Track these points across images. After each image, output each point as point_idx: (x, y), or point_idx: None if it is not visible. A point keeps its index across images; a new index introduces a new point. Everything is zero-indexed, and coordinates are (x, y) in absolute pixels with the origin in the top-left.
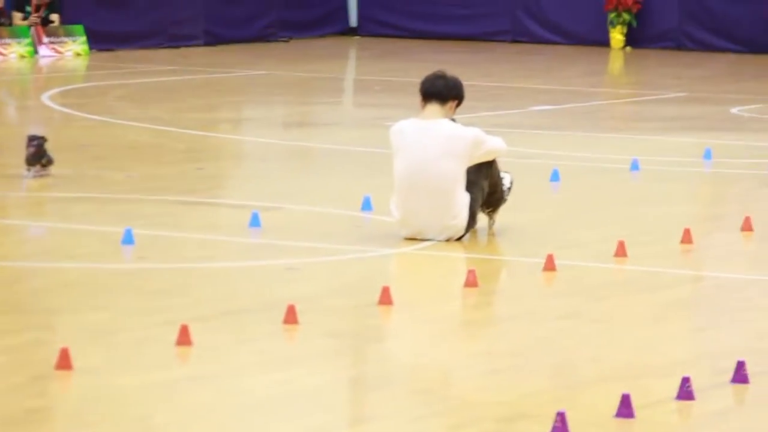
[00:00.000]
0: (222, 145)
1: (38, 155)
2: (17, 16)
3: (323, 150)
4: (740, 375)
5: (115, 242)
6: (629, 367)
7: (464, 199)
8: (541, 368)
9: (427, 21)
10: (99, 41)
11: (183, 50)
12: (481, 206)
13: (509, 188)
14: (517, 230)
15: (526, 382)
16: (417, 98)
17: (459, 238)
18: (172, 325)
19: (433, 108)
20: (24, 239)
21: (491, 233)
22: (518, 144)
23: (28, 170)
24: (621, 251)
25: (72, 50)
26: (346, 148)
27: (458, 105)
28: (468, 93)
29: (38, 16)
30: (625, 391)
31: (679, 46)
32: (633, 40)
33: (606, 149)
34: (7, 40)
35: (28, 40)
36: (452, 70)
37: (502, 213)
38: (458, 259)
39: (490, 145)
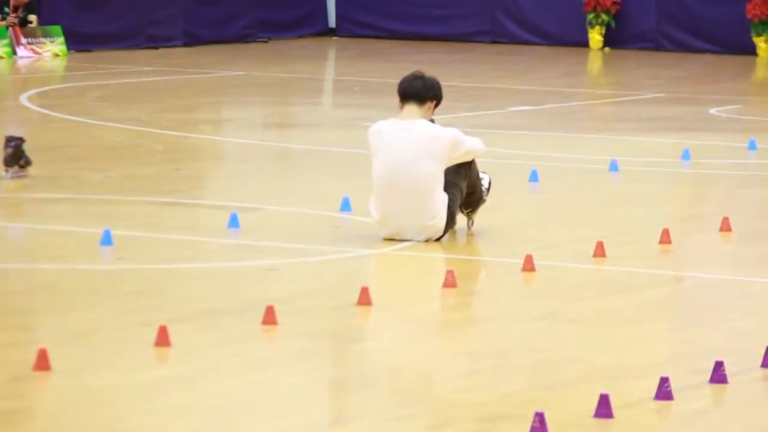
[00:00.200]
0: (201, 145)
1: (16, 156)
2: None
3: (302, 151)
4: (719, 375)
5: (94, 243)
6: (608, 368)
7: (443, 199)
8: (521, 369)
9: (406, 22)
10: (77, 42)
11: (162, 51)
12: (460, 207)
13: (488, 189)
14: (496, 231)
15: (506, 382)
16: (396, 99)
17: (438, 239)
18: (151, 326)
19: (411, 108)
20: (2, 240)
21: (470, 234)
22: (497, 144)
23: (6, 171)
24: (600, 251)
25: (50, 51)
26: (325, 149)
27: (437, 105)
28: (447, 93)
29: (16, 17)
30: (604, 391)
31: (658, 47)
32: (611, 40)
33: (585, 150)
34: None
35: (6, 41)
36: (431, 70)
37: (481, 213)
38: (437, 259)
39: (469, 146)
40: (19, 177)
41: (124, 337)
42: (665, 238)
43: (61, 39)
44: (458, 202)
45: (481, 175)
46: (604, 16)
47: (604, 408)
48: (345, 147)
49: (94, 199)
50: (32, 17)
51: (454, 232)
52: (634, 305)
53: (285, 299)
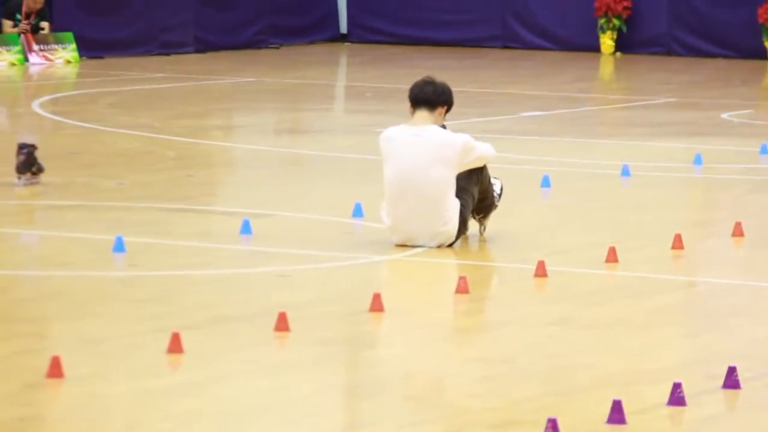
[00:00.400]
0: (213, 152)
1: (29, 163)
2: (7, 24)
3: (314, 157)
4: (731, 380)
5: (106, 250)
6: (621, 373)
7: (455, 205)
8: (533, 374)
9: (417, 27)
10: (89, 48)
11: (174, 57)
12: (472, 212)
13: (500, 194)
14: (508, 236)
15: (518, 388)
16: (407, 104)
17: (450, 245)
18: (163, 333)
19: (423, 114)
20: (15, 247)
21: (482, 239)
22: (508, 150)
23: (19, 178)
24: (612, 257)
25: (62, 58)
26: (337, 155)
27: (447, 111)
28: (458, 99)
29: (28, 24)
30: (617, 397)
31: (669, 52)
32: (623, 45)
33: (596, 155)
34: None
35: (18, 48)
36: (442, 76)
37: (493, 219)
38: (449, 265)
39: (480, 152)
40: (32, 184)
41: (136, 344)
42: (677, 243)
43: (73, 45)
44: (470, 207)
45: (492, 180)
46: (616, 21)
47: (617, 414)
48: (357, 153)
49: (107, 205)
50: (44, 24)
51: (466, 238)
52: (646, 311)
53: (297, 305)
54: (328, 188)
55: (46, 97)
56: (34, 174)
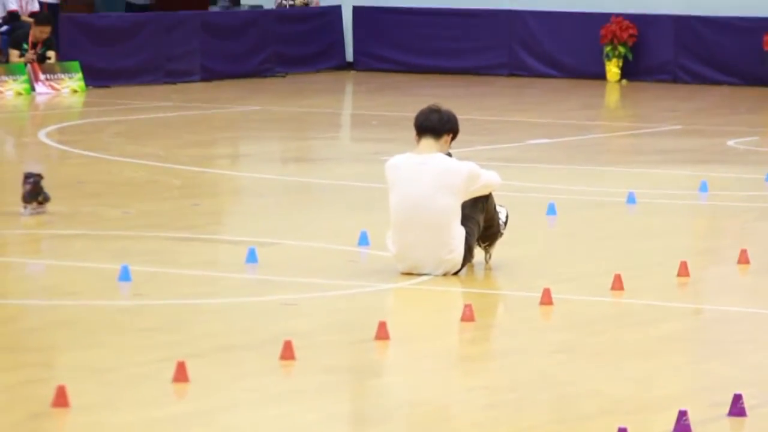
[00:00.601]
0: (218, 180)
1: (35, 192)
2: (14, 54)
3: (320, 185)
4: (737, 408)
5: (112, 279)
6: (627, 401)
7: (460, 233)
8: (539, 403)
9: (423, 55)
10: (95, 78)
11: (180, 86)
12: (478, 240)
13: (505, 222)
14: (514, 264)
15: (524, 416)
16: (413, 132)
17: (455, 273)
18: (169, 362)
19: (428, 142)
20: (21, 277)
21: (488, 267)
22: (514, 178)
23: (25, 207)
24: (617, 284)
25: (68, 87)
26: (343, 183)
27: (453, 139)
28: (464, 127)
29: (35, 53)
30: (623, 425)
31: (675, 79)
32: (629, 73)
33: (602, 182)
34: (4, 78)
35: (24, 77)
36: (448, 103)
37: (499, 247)
38: (455, 293)
39: (486, 180)
40: (38, 213)
41: (142, 373)
42: (683, 270)
43: (80, 75)
44: (475, 235)
45: (498, 208)
46: (621, 49)
47: None
48: (363, 181)
49: (113, 235)
50: (51, 53)
51: (472, 266)
52: (652, 338)
53: (303, 334)
54: (334, 216)
55: (52, 127)
56: (40, 203)
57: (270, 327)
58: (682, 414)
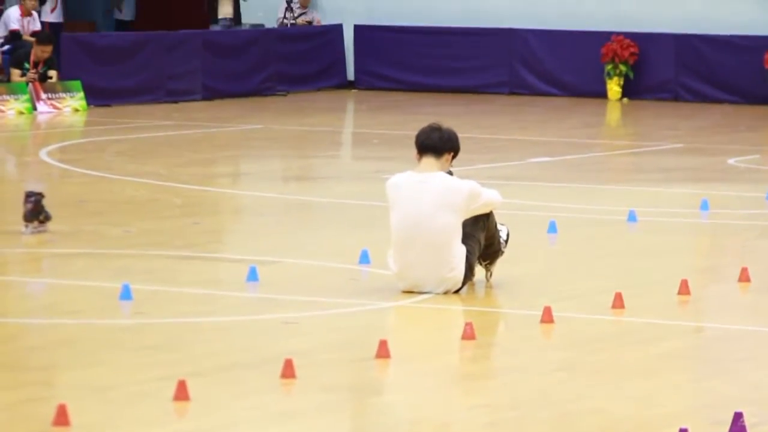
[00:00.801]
0: (220, 199)
1: (36, 211)
2: (15, 73)
3: (321, 204)
4: (738, 426)
5: (113, 298)
6: (628, 419)
7: (461, 251)
8: (540, 421)
9: (424, 74)
10: (97, 97)
11: (181, 105)
12: (478, 258)
13: (506, 240)
14: (515, 282)
15: None
16: (414, 151)
17: (456, 291)
18: (170, 381)
19: (429, 161)
20: (22, 295)
21: (488, 285)
22: (515, 196)
23: (26, 226)
24: (618, 303)
25: (70, 106)
26: (344, 202)
27: (454, 157)
28: (465, 145)
29: (36, 72)
30: None
31: (676, 97)
32: (630, 91)
33: (603, 201)
34: (6, 97)
35: (26, 97)
36: (449, 122)
37: (499, 265)
38: (456, 311)
39: (486, 198)
40: (39, 232)
41: (143, 391)
42: (684, 289)
43: (81, 94)
44: (476, 253)
45: (499, 226)
46: (622, 67)
47: None
48: (364, 200)
49: (114, 253)
50: (52, 73)
51: (473, 284)
52: (652, 356)
53: (304, 352)
54: (335, 235)
55: (53, 146)
56: (42, 222)
57: (271, 345)
58: None
